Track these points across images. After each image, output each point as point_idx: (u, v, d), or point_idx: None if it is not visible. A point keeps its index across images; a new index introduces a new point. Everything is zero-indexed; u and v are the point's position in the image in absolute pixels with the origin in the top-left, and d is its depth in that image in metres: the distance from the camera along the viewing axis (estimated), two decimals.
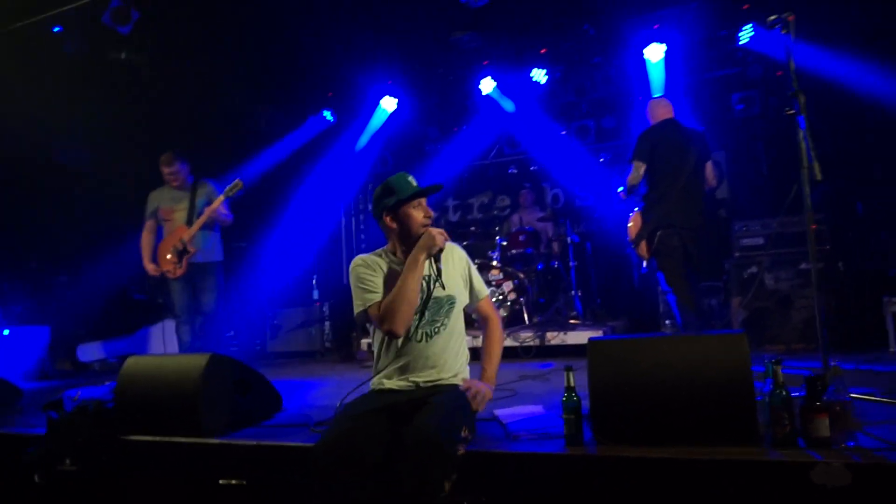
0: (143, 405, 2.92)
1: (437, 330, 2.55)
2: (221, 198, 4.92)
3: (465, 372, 2.65)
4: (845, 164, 5.52)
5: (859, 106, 5.54)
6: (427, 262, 2.57)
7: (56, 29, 5.90)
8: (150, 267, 4.96)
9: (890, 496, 1.83)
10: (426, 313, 2.54)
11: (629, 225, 4.36)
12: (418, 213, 2.56)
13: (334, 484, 2.11)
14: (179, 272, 4.91)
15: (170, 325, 6.45)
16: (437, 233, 2.51)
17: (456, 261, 2.68)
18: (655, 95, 6.42)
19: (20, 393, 4.15)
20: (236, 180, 4.95)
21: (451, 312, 2.59)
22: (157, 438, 2.83)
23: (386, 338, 2.57)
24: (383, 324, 2.45)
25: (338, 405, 2.59)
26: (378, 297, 2.50)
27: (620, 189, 4.49)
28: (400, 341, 2.54)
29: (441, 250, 2.52)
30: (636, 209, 4.31)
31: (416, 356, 2.53)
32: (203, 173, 6.34)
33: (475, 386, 2.54)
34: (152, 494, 2.83)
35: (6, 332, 5.57)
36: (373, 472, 2.15)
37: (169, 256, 4.91)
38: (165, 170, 5.05)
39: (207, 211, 4.91)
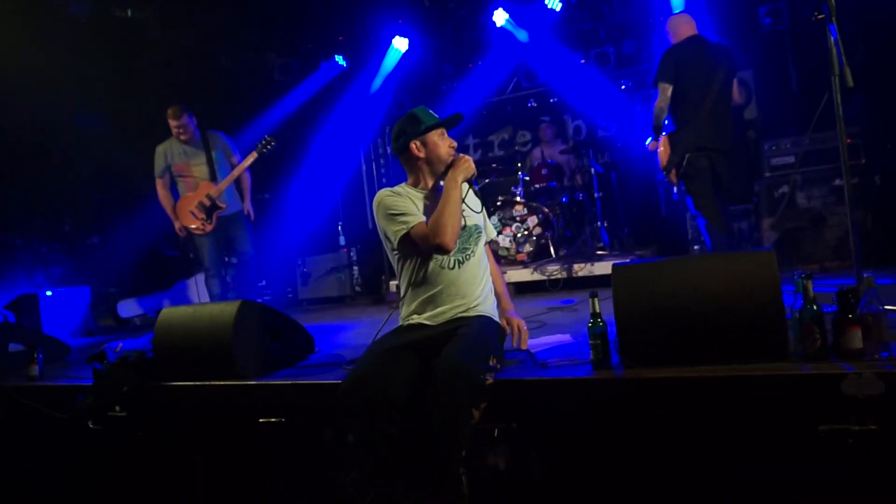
0: (179, 353, 3.03)
1: (467, 257, 2.58)
2: (254, 154, 4.95)
3: (491, 301, 2.65)
4: (881, 74, 5.25)
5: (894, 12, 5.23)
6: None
7: None
8: (179, 226, 4.95)
9: None
10: (458, 241, 2.53)
11: (660, 150, 4.18)
12: (444, 142, 2.60)
13: (360, 419, 2.18)
14: (209, 228, 4.94)
15: (202, 277, 6.62)
16: (470, 159, 2.59)
17: (473, 196, 2.69)
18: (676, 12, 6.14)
19: (68, 349, 4.33)
20: (268, 136, 5.00)
21: (479, 241, 2.65)
22: (196, 383, 2.94)
23: (415, 271, 2.57)
24: (434, 238, 2.42)
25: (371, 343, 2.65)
26: (416, 218, 2.49)
27: (649, 141, 4.28)
28: (431, 271, 2.53)
29: (476, 175, 2.59)
30: (664, 133, 4.14)
31: (447, 284, 2.54)
32: (218, 126, 6.33)
33: (514, 322, 2.64)
34: (197, 435, 2.96)
35: (49, 293, 5.76)
36: (400, 406, 2.21)
37: (195, 213, 4.92)
38: (174, 123, 4.95)
39: (238, 169, 4.95)
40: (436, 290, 2.55)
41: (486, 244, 2.74)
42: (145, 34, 6.63)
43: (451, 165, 2.56)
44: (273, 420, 2.73)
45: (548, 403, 2.29)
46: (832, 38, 2.57)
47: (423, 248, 2.49)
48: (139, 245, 6.86)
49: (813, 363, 2.00)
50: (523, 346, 2.60)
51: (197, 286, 6.44)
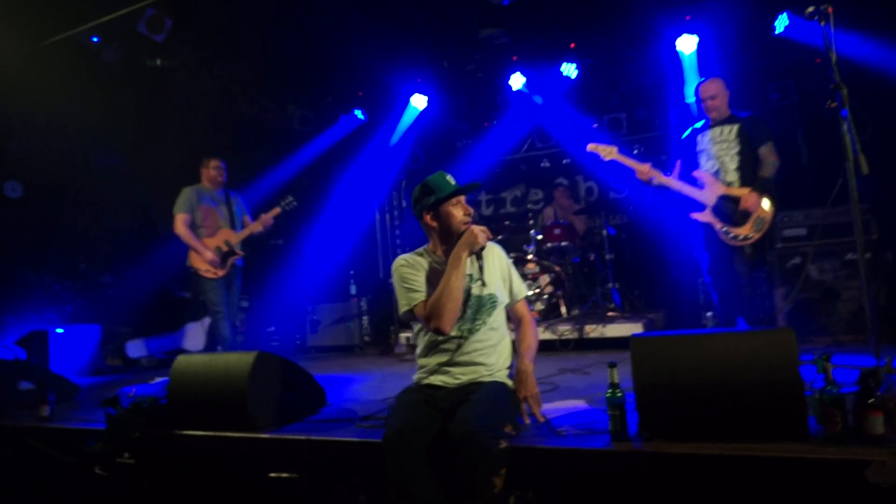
0: (194, 402, 3.03)
1: (478, 328, 2.58)
2: (277, 210, 5.37)
3: (508, 366, 2.67)
4: (890, 149, 5.37)
5: None
6: (469, 260, 2.60)
7: (94, 39, 6.08)
8: (210, 256, 5.04)
9: None
10: (467, 311, 2.57)
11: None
12: (458, 210, 2.61)
13: (406, 472, 2.16)
14: (221, 273, 5.14)
15: (209, 321, 6.64)
16: (479, 230, 2.55)
17: (496, 259, 2.71)
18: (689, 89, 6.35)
19: (78, 389, 4.32)
20: (290, 196, 5.41)
21: (494, 311, 2.62)
22: (209, 433, 2.93)
23: (428, 334, 2.62)
24: (430, 322, 2.49)
25: (385, 402, 2.67)
26: (422, 295, 2.55)
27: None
28: (442, 339, 2.57)
29: (483, 248, 2.57)
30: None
31: (457, 353, 2.56)
32: (239, 173, 6.54)
33: (524, 393, 2.52)
34: (206, 486, 2.93)
35: (59, 330, 5.78)
36: (423, 462, 2.20)
37: (211, 256, 5.07)
38: (215, 164, 5.35)
39: (263, 219, 5.31)
40: (447, 358, 2.58)
41: (520, 301, 2.74)
42: (171, 82, 6.87)
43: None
44: (285, 475, 2.71)
45: (565, 473, 2.28)
46: (845, 126, 2.66)
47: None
48: (150, 286, 6.92)
49: (834, 447, 1.99)
50: (536, 416, 2.57)
51: (204, 329, 6.46)
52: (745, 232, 4.01)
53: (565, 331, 5.24)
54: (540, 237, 6.21)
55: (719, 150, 4.15)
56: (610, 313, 5.61)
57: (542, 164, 7.94)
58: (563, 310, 5.66)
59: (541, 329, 5.36)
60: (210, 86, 7.21)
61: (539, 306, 5.75)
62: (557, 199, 7.15)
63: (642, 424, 2.26)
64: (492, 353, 2.60)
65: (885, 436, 1.97)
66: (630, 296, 6.22)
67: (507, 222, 6.87)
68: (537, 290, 5.78)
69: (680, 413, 2.21)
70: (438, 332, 2.50)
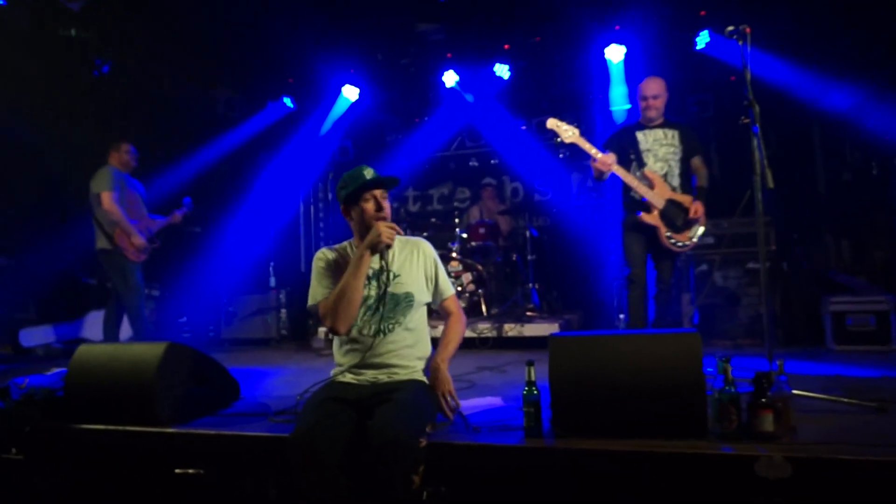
0: (95, 394, 2.85)
1: (391, 327, 2.52)
2: (179, 218, 5.47)
3: (423, 366, 2.64)
4: (793, 169, 5.77)
5: (807, 114, 5.80)
6: (392, 257, 2.58)
7: (1, 3, 5.62)
8: (141, 242, 5.03)
9: (827, 487, 1.95)
10: (381, 309, 2.51)
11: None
12: (369, 206, 2.52)
13: (313, 473, 2.11)
14: (144, 258, 5.14)
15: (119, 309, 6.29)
16: (386, 227, 2.44)
17: (420, 257, 2.65)
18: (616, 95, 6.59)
19: None
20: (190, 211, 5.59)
21: (410, 310, 2.56)
22: (111, 427, 2.77)
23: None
24: (326, 321, 2.46)
25: (298, 398, 2.61)
26: (328, 292, 2.50)
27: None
28: (355, 337, 2.53)
29: (388, 246, 2.48)
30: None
31: (372, 352, 2.50)
32: (159, 156, 6.25)
33: (440, 389, 2.51)
34: (105, 484, 2.77)
35: None
36: (343, 461, 2.17)
37: (142, 241, 5.05)
38: (127, 156, 5.24)
39: (178, 218, 5.46)
40: (362, 356, 2.52)
41: (448, 298, 2.69)
42: (87, 55, 6.45)
43: None
44: (191, 471, 2.60)
45: (479, 468, 2.31)
46: (755, 142, 2.83)
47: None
48: (53, 270, 6.47)
49: (729, 443, 2.12)
50: (457, 408, 2.59)
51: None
52: (686, 240, 4.05)
53: (485, 329, 5.31)
54: (465, 235, 6.26)
55: (667, 152, 4.12)
56: (529, 313, 5.73)
57: (471, 163, 8.01)
58: (484, 308, 5.74)
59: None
60: (129, 62, 6.82)
61: (460, 304, 5.79)
62: (484, 198, 7.24)
63: (555, 421, 2.32)
64: (407, 354, 2.56)
65: (774, 433, 2.11)
66: (549, 296, 6.38)
67: (433, 219, 6.88)
68: (459, 288, 5.83)
69: (591, 411, 2.28)
70: (333, 332, 2.48)
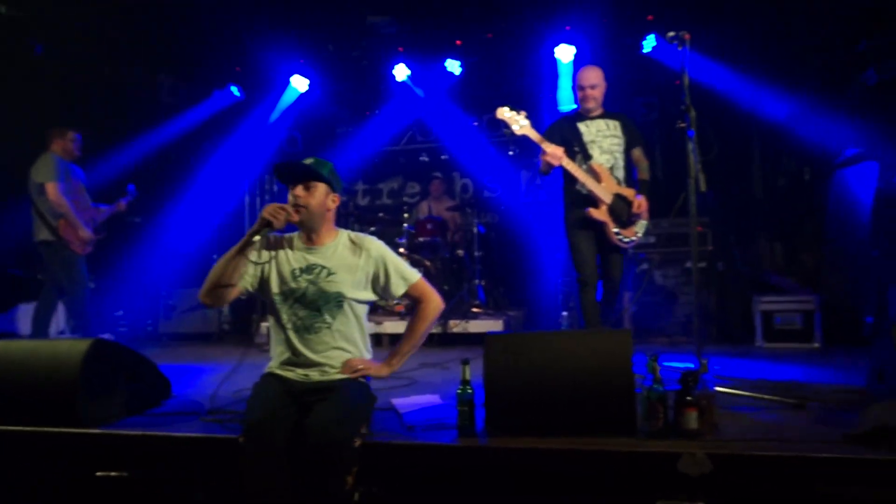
0: (11, 393, 2.71)
1: (317, 326, 2.44)
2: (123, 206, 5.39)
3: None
4: (732, 173, 5.96)
5: (748, 121, 6.00)
6: (329, 251, 2.52)
7: None
8: (88, 235, 4.93)
9: (746, 483, 2.02)
10: (307, 305, 2.44)
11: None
12: (290, 196, 2.48)
13: (263, 468, 2.07)
14: (89, 251, 5.03)
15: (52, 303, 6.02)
16: (273, 206, 2.36)
17: (363, 257, 2.52)
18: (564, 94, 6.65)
19: None
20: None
21: (339, 310, 2.45)
22: (26, 429, 2.64)
23: (275, 325, 2.52)
24: (200, 291, 2.47)
25: (238, 396, 2.54)
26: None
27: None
28: (286, 332, 2.47)
29: (269, 227, 2.33)
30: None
31: (300, 350, 2.44)
32: (98, 142, 6.00)
33: (354, 364, 2.45)
34: (18, 488, 2.64)
35: None
36: (284, 457, 2.12)
37: (87, 234, 4.94)
38: (71, 144, 5.07)
39: (122, 206, 5.37)
40: (291, 353, 2.47)
41: (410, 288, 2.56)
42: (19, 33, 6.13)
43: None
44: (114, 473, 2.50)
45: (412, 468, 2.30)
46: (690, 146, 2.90)
47: None
48: None
49: (655, 440, 2.17)
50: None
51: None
52: (632, 235, 3.90)
53: None
54: (412, 231, 6.24)
55: (611, 144, 3.94)
56: (474, 309, 5.76)
57: (421, 158, 7.98)
58: None
59: (405, 322, 5.38)
60: (67, 43, 6.51)
61: (405, 300, 5.77)
62: (432, 191, 7.21)
63: (488, 420, 2.33)
64: (336, 356, 2.45)
65: (699, 430, 2.17)
66: (495, 293, 6.42)
67: (381, 214, 6.83)
68: None
69: (524, 409, 2.30)
70: (201, 301, 2.48)
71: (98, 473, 2.48)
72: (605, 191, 3.86)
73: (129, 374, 2.94)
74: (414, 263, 5.84)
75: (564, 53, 6.56)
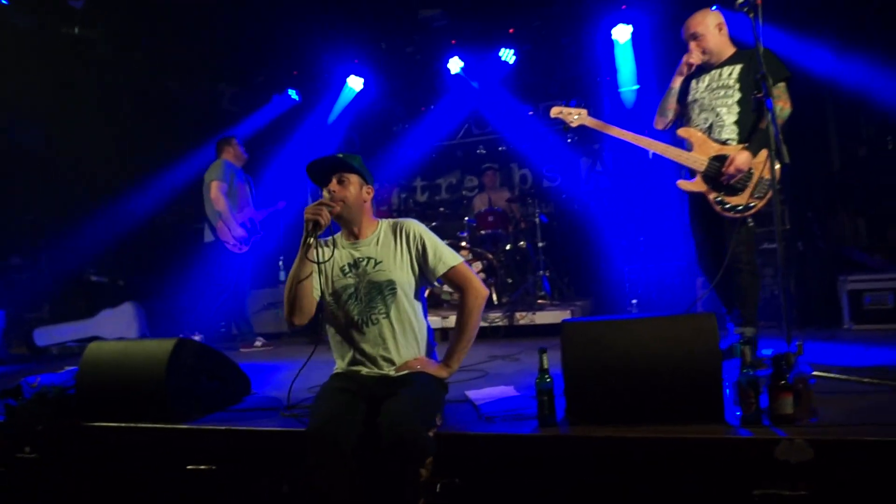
0: (106, 391, 2.85)
1: (375, 318, 2.41)
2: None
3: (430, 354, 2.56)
4: (806, 145, 5.64)
5: (819, 87, 5.66)
6: (372, 242, 2.49)
7: (4, 2, 5.62)
8: (240, 231, 5.38)
9: (849, 469, 1.90)
10: (361, 299, 2.42)
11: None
12: (325, 192, 2.47)
13: (329, 465, 2.07)
14: (245, 249, 5.47)
15: (130, 308, 6.32)
16: (312, 205, 2.33)
17: (402, 239, 2.48)
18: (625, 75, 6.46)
19: None
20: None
21: (394, 298, 2.41)
22: (122, 424, 2.77)
23: (332, 327, 2.51)
24: (285, 314, 2.45)
25: (313, 392, 2.57)
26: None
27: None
28: (343, 330, 2.45)
29: (318, 225, 2.31)
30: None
31: (360, 345, 2.43)
32: (164, 153, 6.27)
33: (412, 366, 2.41)
34: (118, 480, 2.77)
35: None
36: (355, 453, 2.13)
37: (241, 232, 5.37)
38: (239, 149, 5.67)
39: (280, 204, 5.89)
40: (354, 350, 2.45)
41: (450, 271, 2.44)
42: (91, 52, 6.45)
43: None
44: (203, 467, 2.59)
45: (492, 458, 2.27)
46: (769, 115, 2.74)
47: None
48: (64, 268, 6.50)
49: (748, 427, 2.07)
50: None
51: (125, 316, 6.14)
52: (744, 201, 3.21)
53: (496, 318, 5.27)
54: (473, 224, 6.21)
55: (715, 98, 3.32)
56: (540, 300, 5.68)
57: (479, 151, 7.94)
58: (495, 297, 5.70)
59: None
60: (134, 59, 6.81)
61: (447, 286, 5.77)
62: (487, 183, 7.16)
63: (569, 409, 2.28)
64: (402, 344, 2.43)
65: (794, 415, 2.05)
66: (560, 283, 6.32)
67: (441, 209, 6.84)
68: None
69: (606, 398, 2.24)
70: (289, 323, 2.45)
71: (188, 467, 2.57)
72: (696, 158, 3.30)
73: (211, 373, 3.04)
74: (477, 257, 5.82)
75: (621, 34, 6.38)
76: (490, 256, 5.83)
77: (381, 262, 2.44)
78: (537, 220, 6.13)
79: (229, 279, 5.37)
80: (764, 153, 3.09)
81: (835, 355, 3.48)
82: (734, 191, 3.22)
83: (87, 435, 2.81)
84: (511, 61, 6.90)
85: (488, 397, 2.74)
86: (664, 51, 6.73)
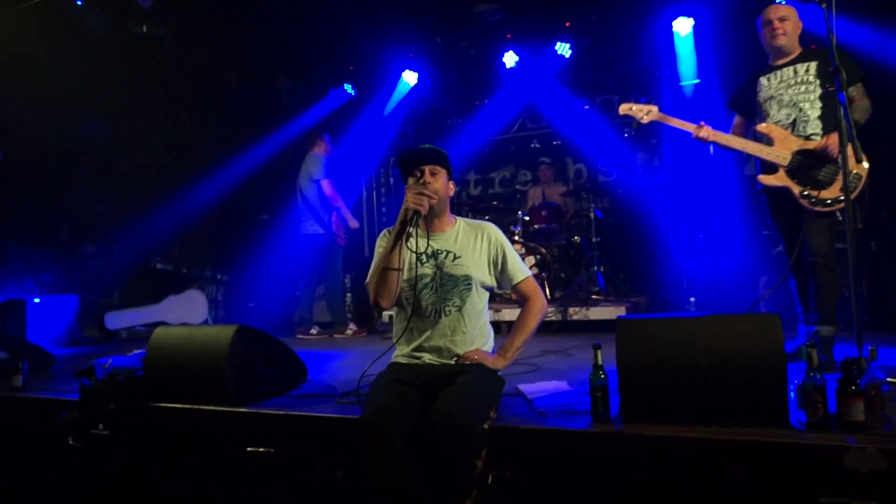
0: (171, 374, 2.97)
1: (447, 310, 2.48)
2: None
3: (489, 349, 2.60)
4: (879, 140, 5.34)
5: (892, 76, 5.34)
6: (450, 237, 2.54)
7: (78, 2, 5.91)
8: (355, 224, 5.74)
9: None
10: (437, 290, 2.49)
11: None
12: (411, 179, 2.51)
13: (382, 454, 2.12)
14: (345, 240, 5.80)
15: (194, 294, 6.58)
16: (412, 192, 2.36)
17: (483, 241, 2.58)
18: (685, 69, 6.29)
19: (53, 359, 4.25)
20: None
21: (468, 292, 2.50)
22: (186, 406, 2.89)
23: (401, 312, 2.58)
24: (370, 296, 2.49)
25: (359, 378, 2.63)
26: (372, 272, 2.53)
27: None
28: (414, 318, 2.51)
29: (417, 212, 2.36)
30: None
31: (428, 334, 2.50)
32: (226, 144, 6.48)
33: (470, 356, 2.46)
34: (182, 459, 2.89)
35: (37, 300, 5.68)
36: (408, 443, 2.16)
37: (356, 224, 5.77)
38: (327, 144, 5.93)
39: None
40: (419, 337, 2.52)
41: (520, 283, 2.58)
42: (158, 49, 6.71)
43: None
44: (262, 449, 2.67)
45: (544, 453, 2.26)
46: (842, 111, 2.62)
47: None
48: (132, 257, 6.82)
49: (815, 433, 1.99)
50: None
51: (189, 302, 6.39)
52: (833, 195, 3.10)
53: (549, 313, 5.22)
54: (527, 218, 6.17)
55: (795, 94, 3.26)
56: (594, 296, 5.61)
57: (532, 145, 7.88)
58: (548, 291, 5.65)
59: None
60: (197, 55, 7.06)
61: (514, 294, 5.73)
62: (542, 177, 7.09)
63: (624, 406, 2.24)
64: (468, 337, 2.50)
65: (866, 423, 1.96)
66: (614, 279, 6.22)
67: (494, 203, 6.83)
68: None
69: (662, 396, 2.19)
70: (376, 307, 2.51)
71: (248, 449, 2.66)
72: (778, 153, 3.24)
73: (270, 359, 3.13)
74: (530, 251, 5.79)
75: (682, 26, 6.22)
76: (543, 251, 5.79)
77: (459, 256, 2.52)
78: (592, 215, 6.05)
79: (339, 269, 5.75)
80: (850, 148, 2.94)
81: None
82: (821, 184, 3.14)
83: (154, 415, 2.94)
84: (567, 55, 6.81)
85: (541, 391, 2.73)
86: (725, 44, 6.52)
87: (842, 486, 1.85)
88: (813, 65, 3.26)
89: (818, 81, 3.22)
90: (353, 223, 5.68)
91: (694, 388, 2.16)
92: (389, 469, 2.11)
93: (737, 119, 3.58)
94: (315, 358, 4.28)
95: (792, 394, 2.16)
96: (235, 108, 7.55)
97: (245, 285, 7.23)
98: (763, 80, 3.39)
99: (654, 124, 3.52)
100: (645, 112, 3.50)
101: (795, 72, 3.28)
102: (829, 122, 3.18)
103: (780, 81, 3.32)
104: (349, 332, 5.81)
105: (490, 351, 2.60)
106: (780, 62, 3.33)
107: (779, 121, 3.31)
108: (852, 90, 3.18)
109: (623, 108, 3.59)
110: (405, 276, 2.53)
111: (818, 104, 3.22)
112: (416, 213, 2.36)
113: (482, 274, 2.55)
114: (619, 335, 2.28)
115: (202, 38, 6.94)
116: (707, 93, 6.33)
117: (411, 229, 2.38)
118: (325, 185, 5.62)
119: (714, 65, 6.29)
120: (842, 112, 2.61)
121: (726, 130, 3.48)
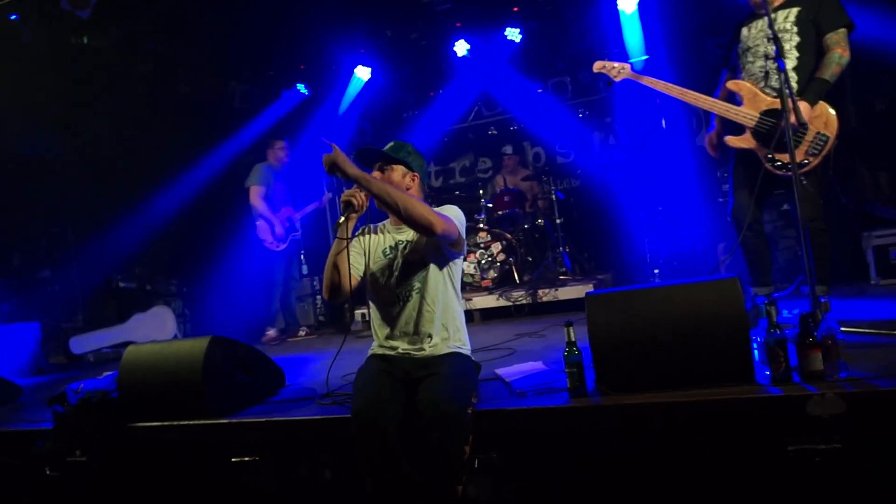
0: (147, 392, 2.94)
1: (410, 294, 2.51)
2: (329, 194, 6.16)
3: (462, 333, 2.60)
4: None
5: None
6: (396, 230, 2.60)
7: (12, 17, 5.70)
8: (280, 230, 5.70)
9: (881, 420, 1.91)
10: (398, 278, 2.52)
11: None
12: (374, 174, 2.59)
13: (375, 445, 2.15)
14: (283, 247, 5.73)
15: (160, 311, 6.46)
16: (349, 191, 2.39)
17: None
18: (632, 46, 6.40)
19: (20, 390, 4.14)
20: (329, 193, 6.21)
21: (425, 272, 2.51)
22: (165, 423, 2.86)
23: (372, 306, 2.63)
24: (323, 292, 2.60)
25: (347, 379, 2.64)
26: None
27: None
28: (381, 308, 2.58)
29: (349, 205, 2.37)
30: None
31: (397, 321, 2.53)
32: (181, 153, 6.37)
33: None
34: (166, 477, 2.87)
35: None
36: (394, 436, 2.20)
37: (278, 231, 5.64)
38: (280, 152, 5.91)
39: (321, 203, 6.12)
40: (392, 327, 2.56)
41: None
42: (101, 61, 6.53)
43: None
44: (247, 459, 2.67)
45: (527, 432, 2.32)
46: (782, 76, 2.70)
47: None
48: (93, 277, 6.66)
49: (779, 386, 2.09)
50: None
51: (156, 319, 6.28)
52: (798, 158, 2.92)
53: (519, 297, 5.30)
54: (490, 205, 6.23)
55: (769, 46, 3.00)
56: (561, 277, 5.70)
57: (490, 132, 7.94)
58: (516, 276, 5.73)
59: (494, 296, 5.40)
60: (143, 65, 6.89)
61: (492, 274, 5.80)
62: (506, 166, 7.16)
63: (599, 379, 2.32)
64: (431, 319, 2.49)
65: (824, 372, 2.07)
66: (580, 258, 6.33)
67: (457, 192, 6.87)
68: (490, 258, 5.82)
69: (635, 365, 2.27)
70: (327, 299, 2.58)
71: (234, 459, 2.66)
72: (746, 112, 3.13)
73: (246, 367, 3.12)
74: (495, 238, 5.85)
75: (627, 4, 6.30)
76: (509, 236, 5.85)
77: (413, 241, 2.56)
78: (554, 197, 6.13)
79: (283, 275, 5.73)
80: (822, 106, 2.97)
81: (863, 311, 3.47)
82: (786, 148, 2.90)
83: (132, 435, 2.91)
84: (517, 40, 6.86)
85: (518, 373, 2.79)
86: (672, 18, 6.66)
87: (807, 432, 1.95)
88: (793, 11, 3.12)
89: (796, 30, 3.08)
90: (279, 229, 5.68)
91: (664, 356, 2.24)
92: (384, 459, 2.16)
93: (727, 75, 3.44)
94: (291, 363, 4.26)
95: (755, 352, 2.26)
96: (188, 116, 7.39)
97: (211, 296, 7.13)
98: (744, 31, 3.29)
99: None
100: (618, 69, 3.45)
101: (776, 20, 3.12)
102: (805, 74, 3.07)
103: (759, 31, 3.21)
104: (301, 334, 5.97)
105: (464, 335, 2.61)
106: (762, 10, 3.04)
107: (753, 74, 3.20)
108: (833, 36, 3.04)
109: (597, 66, 3.56)
110: (371, 270, 2.58)
111: (794, 54, 3.08)
112: (347, 204, 2.38)
113: (436, 254, 2.54)
114: (588, 311, 2.35)
115: (146, 46, 6.77)
116: (656, 68, 6.45)
117: (341, 219, 2.42)
118: (251, 193, 5.63)
119: (661, 40, 6.42)
120: (782, 77, 2.68)
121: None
